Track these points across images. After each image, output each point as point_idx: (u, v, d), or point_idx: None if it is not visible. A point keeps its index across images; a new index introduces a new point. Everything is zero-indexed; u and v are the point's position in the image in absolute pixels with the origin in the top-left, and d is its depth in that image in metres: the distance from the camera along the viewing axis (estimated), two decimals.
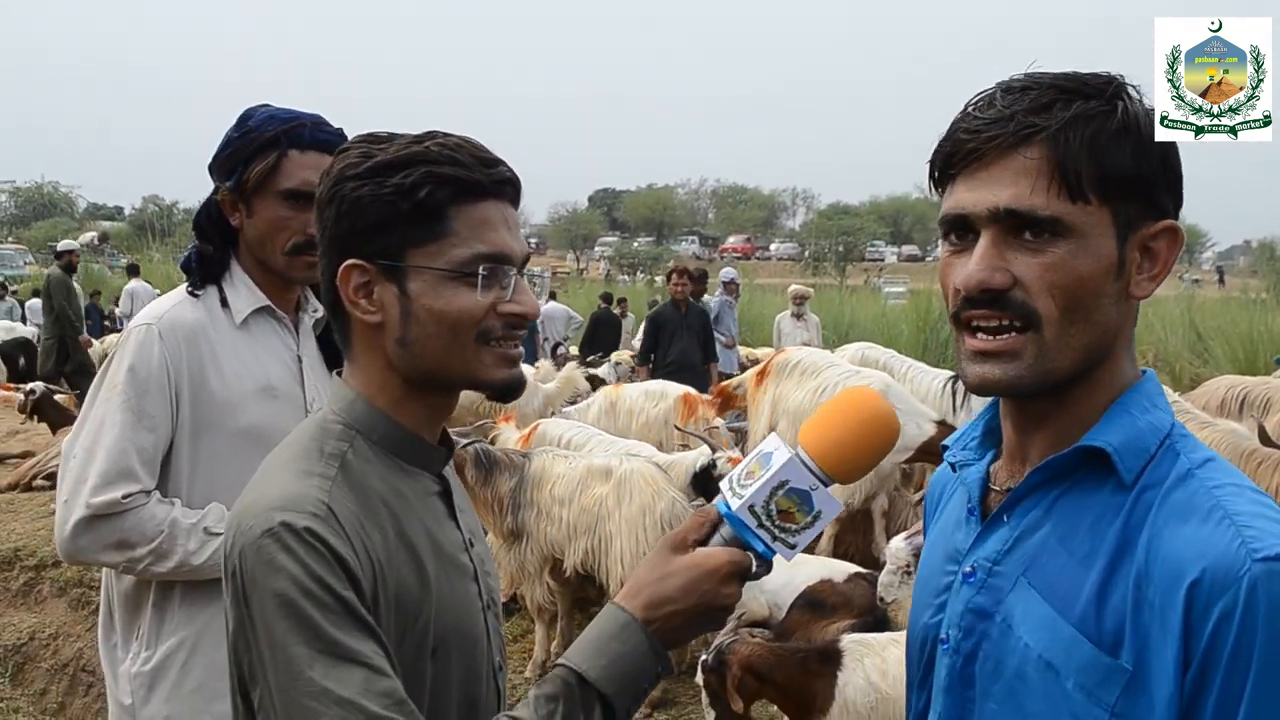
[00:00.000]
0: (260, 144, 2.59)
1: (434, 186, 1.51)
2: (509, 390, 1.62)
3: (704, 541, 1.51)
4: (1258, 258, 53.49)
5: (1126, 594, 1.28)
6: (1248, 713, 1.20)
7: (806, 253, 65.44)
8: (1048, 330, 1.33)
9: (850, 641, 4.56)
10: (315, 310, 2.85)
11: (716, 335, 12.25)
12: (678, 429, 8.24)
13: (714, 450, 6.60)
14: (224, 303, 2.66)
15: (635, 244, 70.96)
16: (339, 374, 1.65)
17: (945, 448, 1.58)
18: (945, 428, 7.04)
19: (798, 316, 14.22)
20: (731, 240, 75.81)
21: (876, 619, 5.34)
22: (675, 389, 9.10)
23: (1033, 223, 1.32)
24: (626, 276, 51.20)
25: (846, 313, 24.19)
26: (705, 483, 6.41)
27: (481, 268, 1.53)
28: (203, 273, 2.68)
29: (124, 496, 2.48)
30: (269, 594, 1.39)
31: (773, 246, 76.79)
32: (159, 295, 3.15)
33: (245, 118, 2.65)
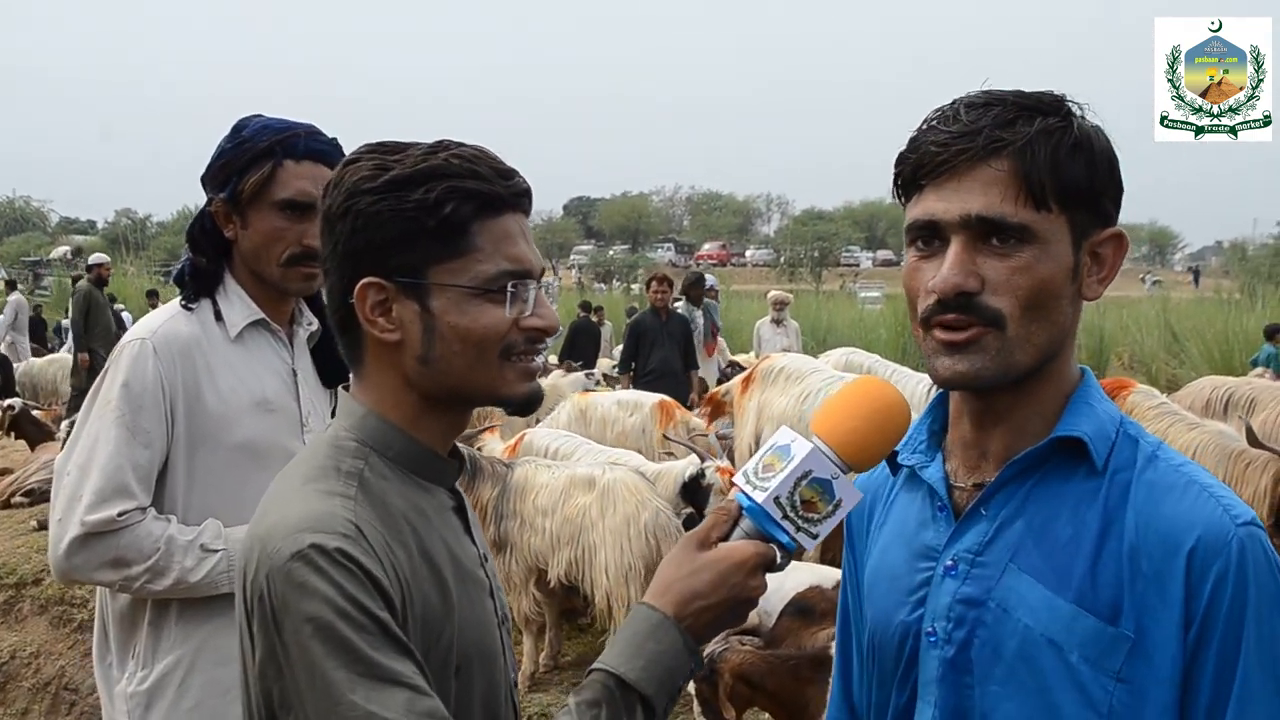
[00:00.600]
0: (255, 154, 2.56)
1: (458, 202, 1.48)
2: (530, 403, 1.61)
3: (725, 537, 1.52)
4: (1229, 258, 53.89)
5: (1120, 567, 1.39)
6: (1245, 661, 1.35)
7: (782, 259, 65.54)
8: (1010, 328, 1.42)
9: None
10: (310, 323, 2.82)
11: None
12: (666, 438, 8.23)
13: (702, 459, 6.59)
14: (218, 316, 2.63)
15: (611, 252, 70.93)
16: (345, 388, 1.63)
17: (895, 453, 1.62)
18: None
19: (777, 322, 14.23)
20: (707, 247, 75.82)
21: None
22: (650, 398, 9.06)
23: (1002, 229, 1.41)
24: (602, 285, 51.09)
25: (824, 318, 24.26)
26: (694, 492, 6.40)
27: (509, 284, 1.51)
28: (196, 286, 2.65)
29: (120, 514, 2.45)
30: (303, 618, 1.36)
31: (748, 253, 76.80)
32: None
33: (239, 128, 2.62)
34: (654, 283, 11.74)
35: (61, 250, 50.78)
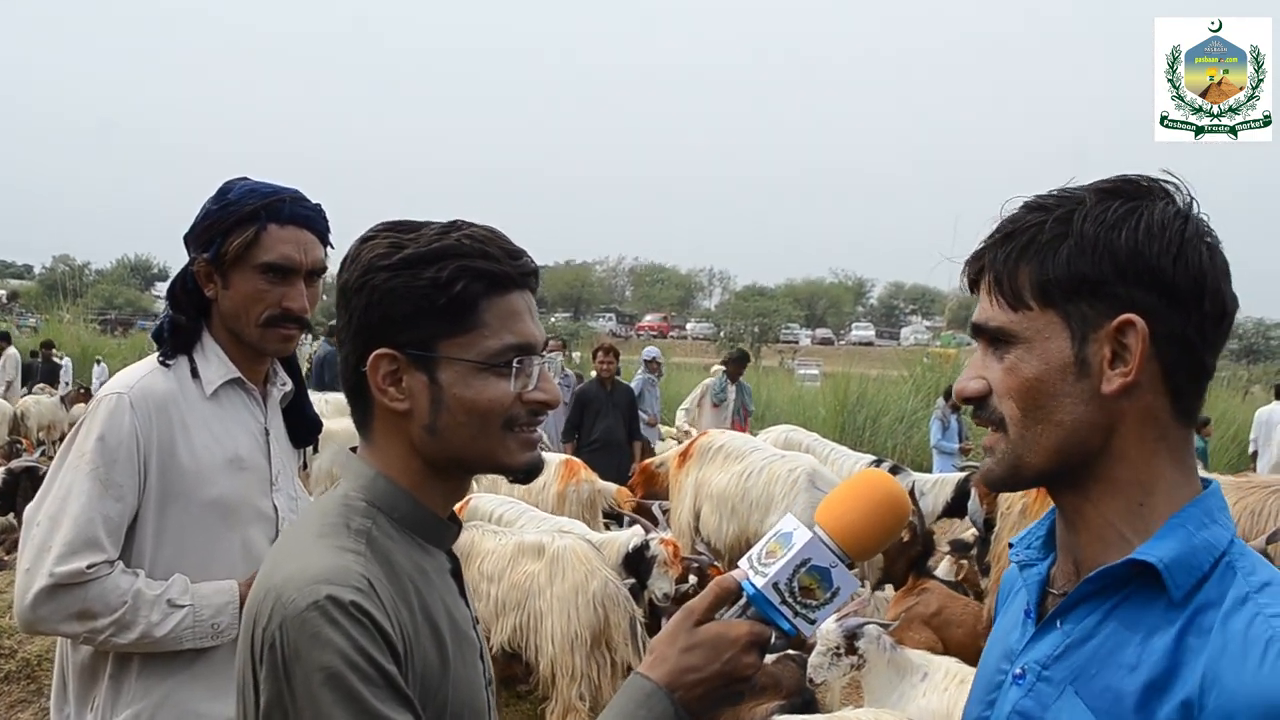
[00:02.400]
0: (240, 217, 2.61)
1: (468, 281, 1.56)
2: (531, 472, 1.67)
3: (713, 614, 1.56)
4: None
5: (1173, 716, 1.28)
6: None
7: (722, 333, 66.00)
8: (1011, 430, 1.41)
9: None
10: (284, 384, 2.87)
11: (640, 413, 12.31)
12: (617, 511, 8.27)
13: (646, 530, 6.63)
14: (194, 373, 2.67)
15: (553, 319, 71.10)
16: (354, 450, 1.69)
17: (1011, 545, 1.61)
18: None
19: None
20: (649, 318, 76.36)
21: (805, 700, 5.38)
22: (554, 457, 9.13)
23: (989, 334, 1.43)
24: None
25: (763, 393, 24.37)
26: (638, 563, 6.43)
27: (514, 360, 1.59)
28: (174, 342, 2.69)
29: (88, 566, 2.46)
30: (315, 668, 1.41)
31: (689, 325, 77.35)
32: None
33: (224, 190, 2.67)
34: (600, 353, 11.81)
35: None
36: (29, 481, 8.65)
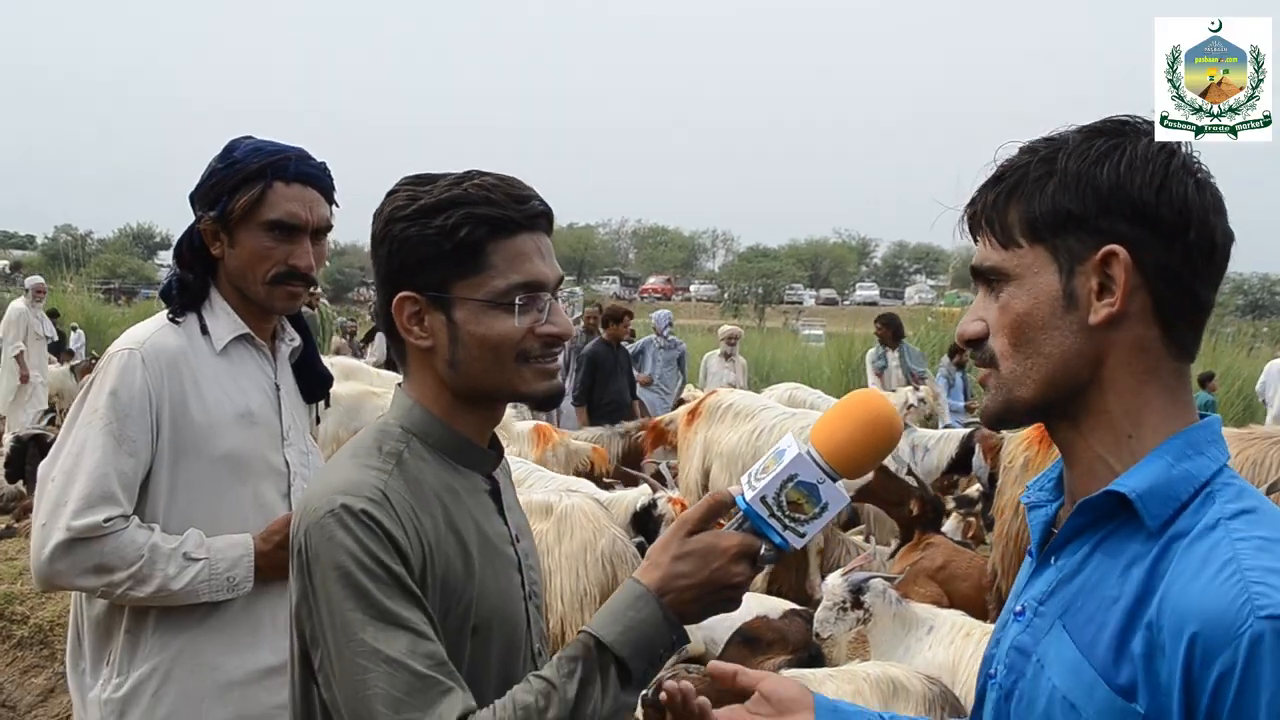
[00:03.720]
0: (245, 175, 2.63)
1: (472, 226, 1.72)
2: (549, 400, 1.85)
3: (707, 525, 1.66)
4: None
5: (1144, 640, 1.30)
6: None
7: (726, 294, 65.95)
8: (1002, 365, 1.45)
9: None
10: (291, 339, 2.89)
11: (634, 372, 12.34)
12: (626, 471, 8.30)
13: (654, 490, 6.66)
14: (204, 330, 2.69)
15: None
16: (399, 386, 1.85)
17: (1028, 487, 1.63)
18: (882, 469, 7.17)
19: (726, 356, 14.31)
20: (652, 280, 76.19)
21: (811, 655, 5.43)
22: (524, 425, 9.18)
23: (984, 275, 1.47)
24: None
25: (767, 354, 24.40)
26: (645, 522, 6.47)
27: (518, 297, 1.74)
28: (183, 300, 2.71)
29: (105, 520, 2.49)
30: (329, 565, 1.61)
31: (692, 287, 77.19)
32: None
33: (230, 149, 2.69)
34: (627, 318, 11.98)
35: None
36: (36, 449, 8.68)
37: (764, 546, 1.63)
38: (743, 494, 1.65)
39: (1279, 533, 1.30)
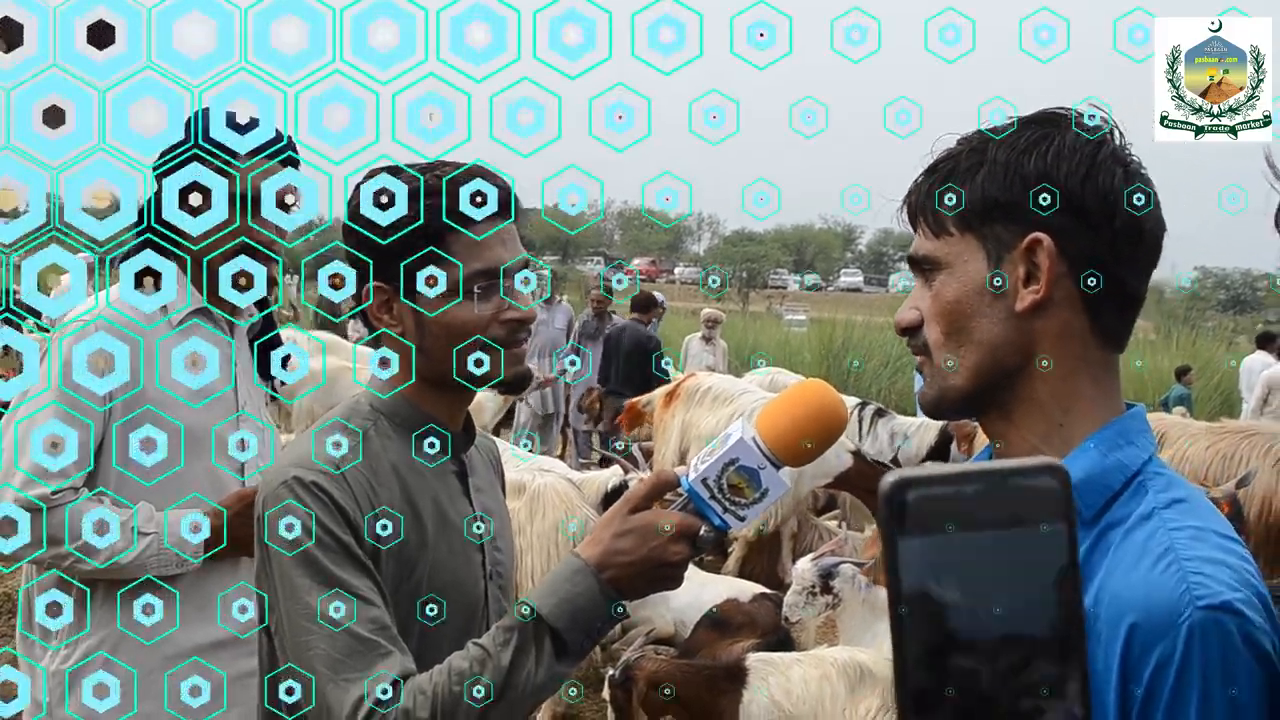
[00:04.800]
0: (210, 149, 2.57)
1: (431, 217, 1.78)
2: (517, 384, 1.93)
3: (650, 503, 1.70)
4: (1148, 300, 54.93)
5: None
6: None
7: (707, 281, 65.79)
8: (935, 354, 1.46)
9: (755, 660, 4.64)
10: (249, 314, 2.85)
11: None
12: (609, 452, 8.30)
13: (626, 471, 6.65)
14: (162, 304, 2.65)
15: (540, 262, 70.81)
16: (375, 365, 1.93)
17: None
18: (860, 457, 7.18)
19: (707, 340, 14.29)
20: (637, 262, 75.94)
21: (780, 639, 5.43)
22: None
23: (919, 264, 1.48)
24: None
25: (750, 338, 24.42)
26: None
27: (477, 285, 1.81)
28: (139, 272, 2.66)
29: (54, 492, 2.46)
30: (281, 533, 1.70)
31: (677, 270, 77.00)
32: None
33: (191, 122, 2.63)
34: (655, 307, 12.34)
35: None
36: None
37: (704, 527, 1.65)
38: (687, 475, 1.66)
39: (1210, 522, 1.33)
